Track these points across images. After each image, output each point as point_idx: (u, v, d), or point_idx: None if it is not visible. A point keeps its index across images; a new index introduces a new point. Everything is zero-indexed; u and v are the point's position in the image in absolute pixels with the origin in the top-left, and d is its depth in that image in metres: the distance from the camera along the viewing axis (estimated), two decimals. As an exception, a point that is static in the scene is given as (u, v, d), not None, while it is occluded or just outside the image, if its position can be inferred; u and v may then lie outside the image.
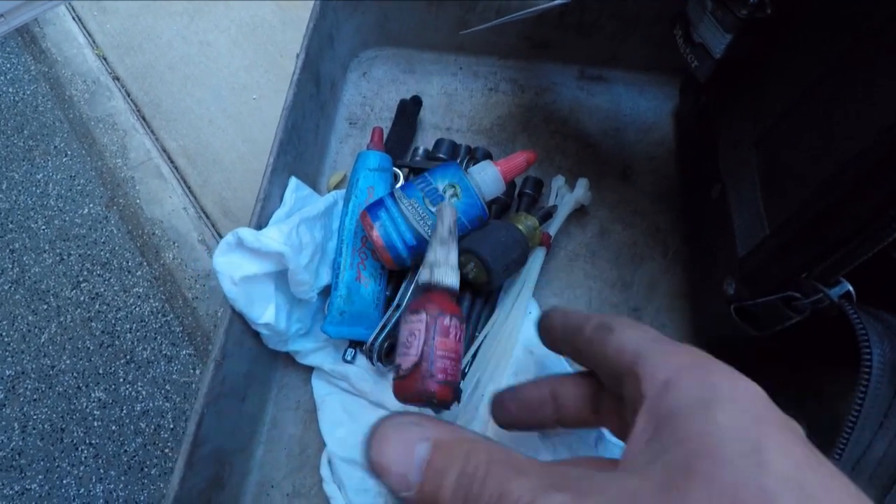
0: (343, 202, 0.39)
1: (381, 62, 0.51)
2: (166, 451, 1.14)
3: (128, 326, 1.26)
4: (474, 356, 0.38)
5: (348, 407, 0.35)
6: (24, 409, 1.18)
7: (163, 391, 1.19)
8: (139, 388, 1.20)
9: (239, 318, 0.34)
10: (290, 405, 0.38)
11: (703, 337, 0.41)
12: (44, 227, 1.38)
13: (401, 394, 0.28)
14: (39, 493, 1.12)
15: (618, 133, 0.49)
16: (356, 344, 0.37)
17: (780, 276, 0.28)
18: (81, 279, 1.32)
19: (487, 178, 0.36)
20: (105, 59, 1.65)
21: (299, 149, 0.41)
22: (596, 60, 0.50)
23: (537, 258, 0.40)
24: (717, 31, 0.32)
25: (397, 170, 0.43)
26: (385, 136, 0.45)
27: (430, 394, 0.27)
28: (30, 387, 1.20)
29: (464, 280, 0.36)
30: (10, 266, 1.34)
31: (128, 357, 1.23)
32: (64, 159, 1.48)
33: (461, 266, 0.35)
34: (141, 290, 1.30)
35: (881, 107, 0.24)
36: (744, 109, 0.33)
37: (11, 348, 1.24)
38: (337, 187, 0.45)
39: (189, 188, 1.43)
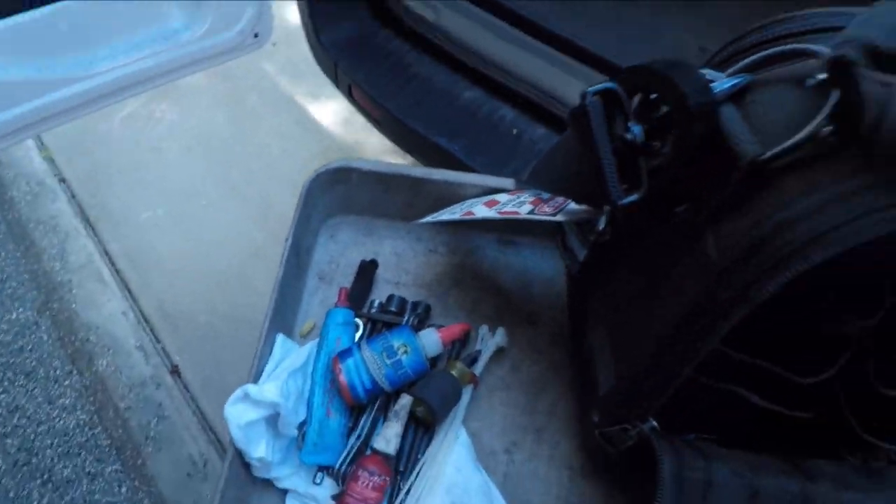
0: (316, 351, 0.52)
1: (345, 227, 0.66)
2: (80, 581, 1.10)
3: (49, 441, 1.24)
4: (417, 474, 0.50)
5: None
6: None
7: (82, 512, 1.16)
8: (54, 510, 1.16)
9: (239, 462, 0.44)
10: None
11: (588, 451, 0.55)
12: (-37, 332, 1.36)
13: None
14: None
15: (527, 287, 0.66)
16: (325, 468, 0.48)
17: (620, 413, 0.44)
18: (1, 391, 1.29)
19: (431, 342, 0.52)
20: (52, 160, 1.73)
21: (280, 306, 0.54)
22: (510, 230, 0.69)
23: (466, 394, 0.55)
24: (579, 245, 0.50)
25: (358, 320, 0.57)
26: (348, 293, 0.60)
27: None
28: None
29: (416, 417, 0.50)
30: (-83, 375, 1.29)
31: (45, 476, 1.20)
32: (-7, 261, 1.49)
33: (414, 408, 0.49)
34: (68, 402, 1.30)
35: (664, 316, 0.41)
36: (599, 295, 0.51)
37: None
38: (308, 334, 0.58)
39: (129, 291, 1.48)
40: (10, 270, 1.48)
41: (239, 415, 0.43)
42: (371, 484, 0.44)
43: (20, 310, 1.42)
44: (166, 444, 1.26)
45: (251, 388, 0.44)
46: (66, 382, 1.32)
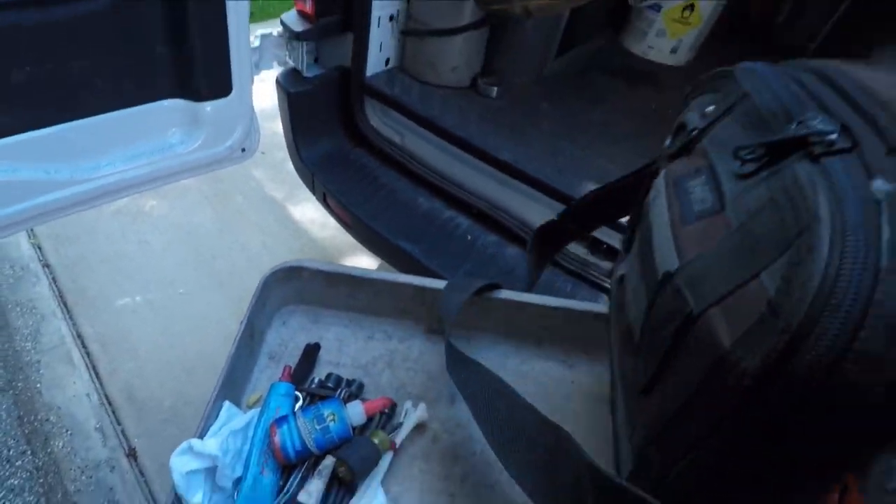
0: (258, 417, 0.62)
1: (297, 315, 0.79)
2: None
3: (-9, 526, 1.23)
4: (337, 531, 0.58)
5: None
6: None
7: None
8: None
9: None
10: None
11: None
12: (-78, 410, 1.39)
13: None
14: None
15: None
16: None
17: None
18: (-51, 469, 1.30)
19: (356, 412, 0.62)
20: (40, 247, 1.85)
21: (232, 378, 0.65)
22: (437, 321, 0.82)
23: (386, 459, 0.64)
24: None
25: (298, 393, 0.67)
26: (293, 370, 0.71)
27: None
28: None
29: (338, 476, 0.60)
30: None
31: (-20, 562, 1.18)
32: (-33, 342, 1.55)
33: (337, 467, 0.59)
34: (16, 482, 1.30)
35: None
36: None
37: None
38: (255, 404, 0.68)
39: (97, 374, 1.54)
40: (-20, 352, 1.54)
41: (182, 464, 0.52)
42: None
43: (-17, 391, 1.45)
44: (113, 532, 1.25)
45: (195, 442, 0.54)
46: (18, 463, 1.33)
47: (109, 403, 1.48)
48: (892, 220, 0.22)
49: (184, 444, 0.54)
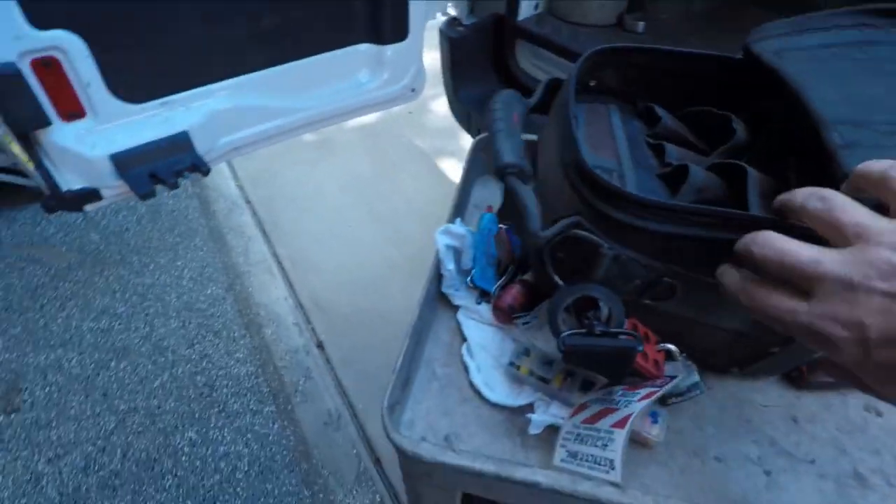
0: (477, 234, 0.79)
1: (494, 181, 0.97)
2: (238, 489, 1.39)
3: (225, 383, 1.61)
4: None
5: (478, 326, 0.70)
6: (129, 438, 1.48)
7: (244, 439, 1.49)
8: (225, 434, 1.50)
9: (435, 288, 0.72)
10: (444, 326, 0.72)
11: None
12: (175, 300, 1.84)
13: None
14: (130, 509, 1.36)
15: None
16: (485, 295, 0.73)
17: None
18: (195, 342, 1.71)
19: None
20: (242, 188, 2.29)
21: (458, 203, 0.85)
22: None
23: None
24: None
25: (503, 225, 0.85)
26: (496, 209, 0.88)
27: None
28: (137, 421, 1.52)
29: None
30: (143, 326, 1.76)
31: (221, 407, 1.55)
32: (200, 253, 2.00)
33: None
34: (241, 356, 1.68)
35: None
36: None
37: (129, 388, 1.59)
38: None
39: (290, 284, 1.90)
40: (210, 260, 1.97)
41: (443, 239, 0.71)
42: (518, 292, 0.67)
43: (213, 287, 1.88)
44: (310, 398, 1.57)
45: (450, 225, 0.73)
46: (241, 342, 1.71)
47: (301, 306, 1.83)
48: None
49: (442, 227, 0.73)
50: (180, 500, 1.37)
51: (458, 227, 0.74)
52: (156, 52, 0.95)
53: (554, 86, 0.66)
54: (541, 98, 0.66)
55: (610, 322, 0.47)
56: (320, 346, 1.71)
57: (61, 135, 0.86)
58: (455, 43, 1.62)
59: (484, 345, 0.67)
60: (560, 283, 0.49)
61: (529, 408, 0.59)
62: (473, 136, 1.76)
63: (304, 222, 2.13)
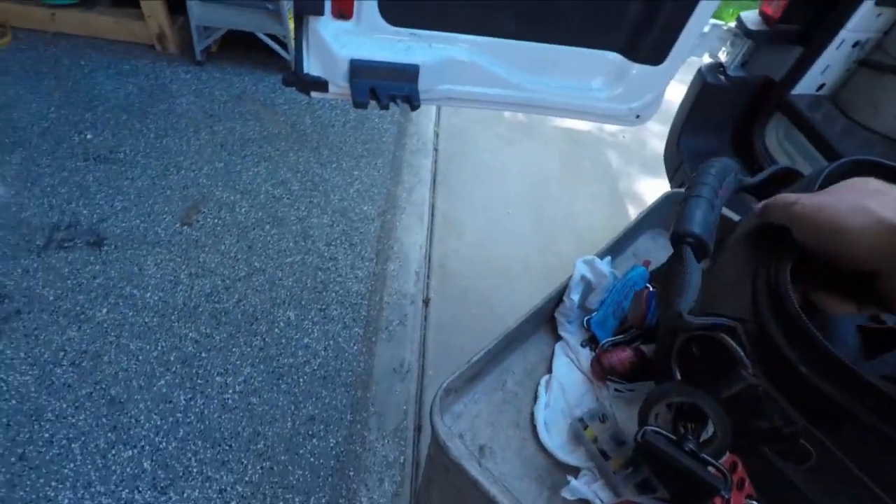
0: (621, 280, 0.74)
1: (664, 237, 0.90)
2: (300, 380, 1.53)
3: (337, 289, 1.76)
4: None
5: (570, 365, 0.66)
6: (247, 290, 1.70)
7: (326, 343, 1.62)
8: (315, 330, 1.64)
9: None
10: (537, 348, 0.70)
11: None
12: (337, 201, 2.03)
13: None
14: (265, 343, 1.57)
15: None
16: (592, 340, 0.69)
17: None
18: (333, 243, 1.89)
19: None
20: (438, 135, 2.42)
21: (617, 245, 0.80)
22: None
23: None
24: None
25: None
26: (650, 265, 0.82)
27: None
28: (261, 280, 1.73)
29: None
30: (303, 208, 1.98)
31: (323, 306, 1.70)
32: (375, 173, 2.18)
33: None
34: (360, 274, 1.81)
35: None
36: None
37: (269, 252, 1.81)
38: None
39: (431, 238, 1.98)
40: (379, 182, 2.14)
41: (581, 269, 0.69)
42: (627, 356, 0.62)
43: (370, 206, 2.04)
44: (393, 342, 1.65)
45: (597, 259, 0.70)
46: (367, 264, 1.85)
47: (429, 260, 1.91)
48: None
49: (588, 256, 0.70)
50: (257, 362, 1.55)
51: (602, 265, 0.70)
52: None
53: (783, 176, 0.57)
54: (762, 181, 0.58)
55: (706, 446, 0.41)
56: (426, 302, 1.78)
57: (326, 27, 0.99)
58: (708, 89, 1.49)
59: (565, 387, 0.63)
60: (678, 376, 0.43)
61: (575, 472, 0.54)
62: (673, 188, 1.63)
63: (472, 190, 2.20)
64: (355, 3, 0.99)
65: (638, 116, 1.42)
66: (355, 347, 1.62)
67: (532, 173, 2.33)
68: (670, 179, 1.63)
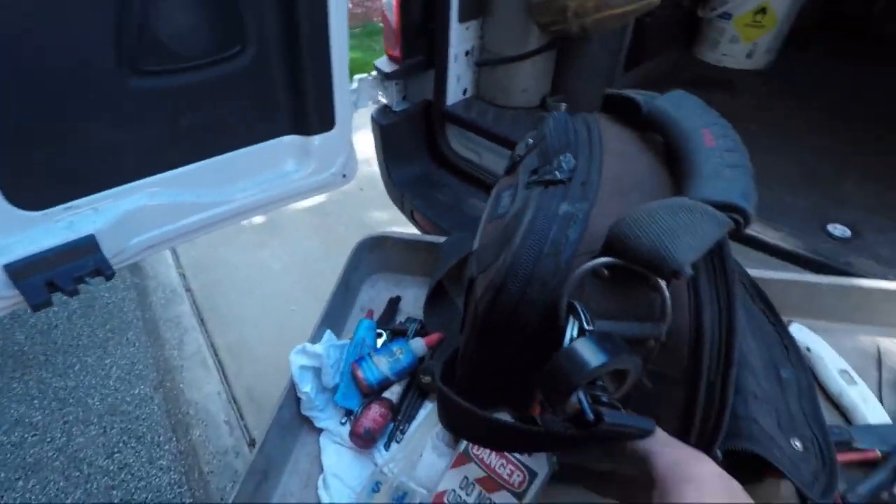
0: (351, 341, 0.80)
1: (382, 280, 0.99)
2: None
3: (145, 496, 1.53)
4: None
5: (339, 451, 0.69)
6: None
7: (161, 561, 1.39)
8: (139, 556, 1.40)
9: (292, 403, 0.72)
10: (305, 452, 0.71)
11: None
12: (98, 403, 1.77)
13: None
14: None
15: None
16: (349, 413, 0.73)
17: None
18: (115, 450, 1.64)
19: (418, 346, 0.78)
20: (183, 275, 2.28)
21: (331, 316, 0.85)
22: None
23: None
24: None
25: (382, 331, 0.86)
26: (379, 317, 0.90)
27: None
28: (41, 548, 1.42)
29: (420, 385, 0.75)
30: (59, 435, 1.68)
31: (137, 523, 1.46)
32: (131, 349, 1.96)
33: (421, 377, 0.75)
34: (164, 463, 1.60)
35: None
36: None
37: (38, 508, 1.49)
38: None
39: (225, 377, 1.85)
40: (140, 356, 1.93)
41: (297, 360, 0.72)
42: (377, 413, 0.68)
43: (141, 386, 1.82)
44: (235, 506, 1.49)
45: (307, 344, 0.73)
46: (166, 447, 1.64)
47: (235, 401, 1.77)
48: (559, 227, 0.40)
49: (299, 346, 0.73)
50: None
51: (313, 347, 0.74)
52: (60, 154, 0.97)
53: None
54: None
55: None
56: (252, 444, 1.65)
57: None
58: (386, 129, 1.70)
59: (339, 474, 0.64)
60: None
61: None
62: (407, 215, 1.81)
63: (245, 308, 2.11)
64: (-28, 209, 0.87)
65: (344, 176, 1.54)
66: (196, 542, 1.42)
67: (298, 261, 2.34)
68: (402, 211, 1.81)
